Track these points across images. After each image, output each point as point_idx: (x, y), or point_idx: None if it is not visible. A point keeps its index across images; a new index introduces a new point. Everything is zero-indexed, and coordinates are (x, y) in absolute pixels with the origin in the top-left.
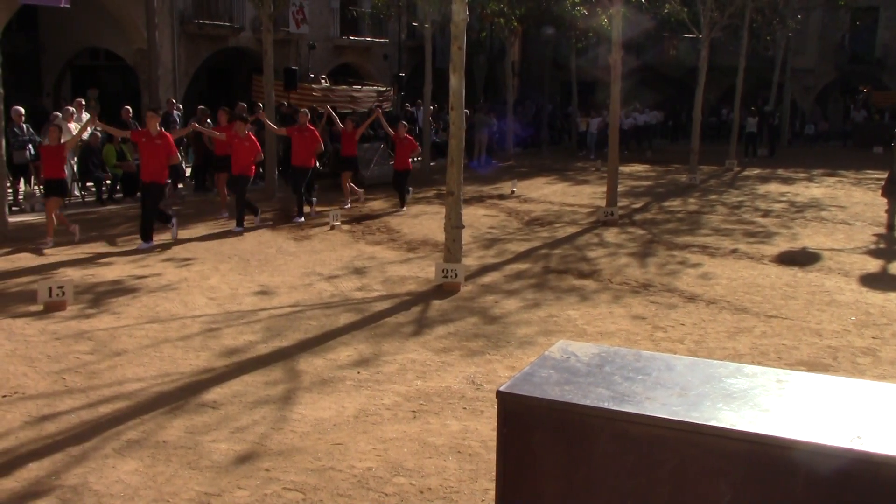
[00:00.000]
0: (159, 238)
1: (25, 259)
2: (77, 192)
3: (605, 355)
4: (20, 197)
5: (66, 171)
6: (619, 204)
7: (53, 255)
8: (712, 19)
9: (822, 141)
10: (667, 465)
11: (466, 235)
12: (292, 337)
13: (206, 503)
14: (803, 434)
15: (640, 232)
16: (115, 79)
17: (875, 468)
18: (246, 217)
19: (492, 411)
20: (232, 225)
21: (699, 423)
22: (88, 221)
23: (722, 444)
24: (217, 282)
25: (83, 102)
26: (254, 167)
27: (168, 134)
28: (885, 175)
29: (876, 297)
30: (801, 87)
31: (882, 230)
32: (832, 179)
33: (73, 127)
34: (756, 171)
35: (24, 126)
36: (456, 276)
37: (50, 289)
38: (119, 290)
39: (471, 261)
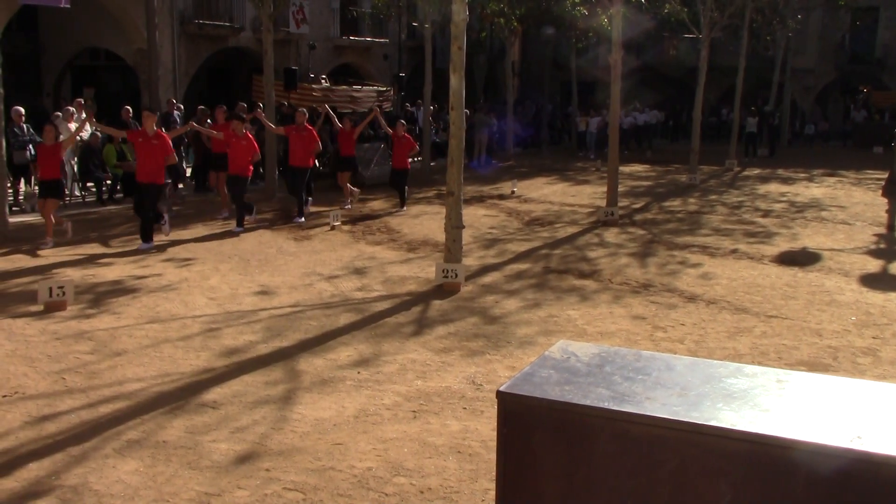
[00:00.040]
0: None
1: (25, 259)
2: (77, 193)
3: (606, 355)
4: (20, 197)
5: (68, 171)
6: (620, 204)
7: (54, 255)
8: (712, 19)
9: (823, 141)
10: (667, 465)
11: (467, 235)
12: (292, 337)
13: (206, 503)
14: (803, 434)
15: (641, 232)
16: (115, 79)
17: (875, 468)
18: (233, 217)
19: (492, 411)
20: (232, 225)
21: (699, 423)
22: (89, 221)
23: (722, 444)
24: (217, 282)
25: (83, 102)
26: (251, 167)
27: (165, 134)
28: (885, 175)
29: (876, 297)
30: (802, 87)
31: (882, 230)
32: (832, 179)
33: (73, 127)
34: (756, 171)
35: (25, 126)
36: (456, 276)
37: (50, 289)
38: (119, 290)
39: (471, 261)
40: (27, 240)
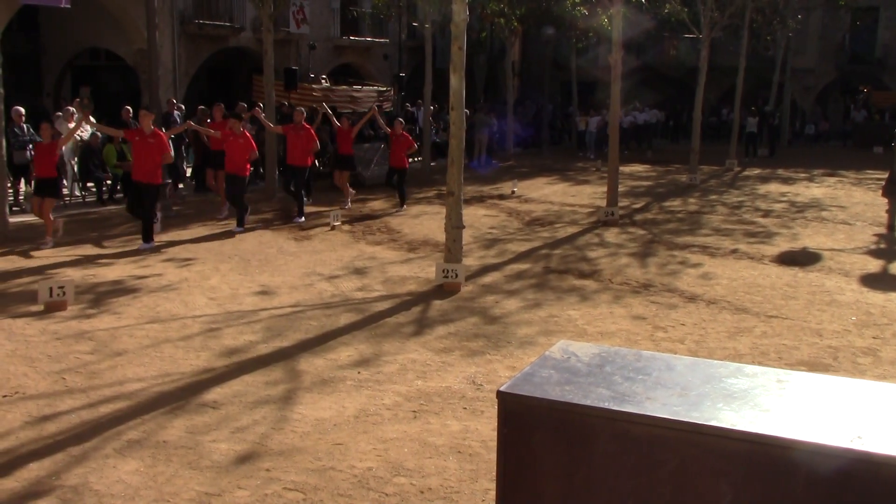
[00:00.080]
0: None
1: (25, 259)
2: (77, 192)
3: (606, 355)
4: (20, 197)
5: (68, 171)
6: (620, 204)
7: (54, 255)
8: (712, 19)
9: (823, 141)
10: (667, 465)
11: (467, 235)
12: (293, 337)
13: (206, 503)
14: (804, 434)
15: (641, 232)
16: (116, 79)
17: (875, 468)
18: (228, 218)
19: (492, 411)
20: (232, 225)
21: (700, 423)
22: (89, 221)
23: (722, 445)
24: (217, 282)
25: (81, 101)
26: (249, 166)
27: (161, 133)
28: (885, 175)
29: (876, 297)
30: (802, 87)
31: (882, 230)
32: (832, 179)
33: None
34: (756, 171)
35: (25, 126)
36: (456, 276)
37: (51, 289)
38: (120, 290)
39: (471, 261)
40: (27, 240)
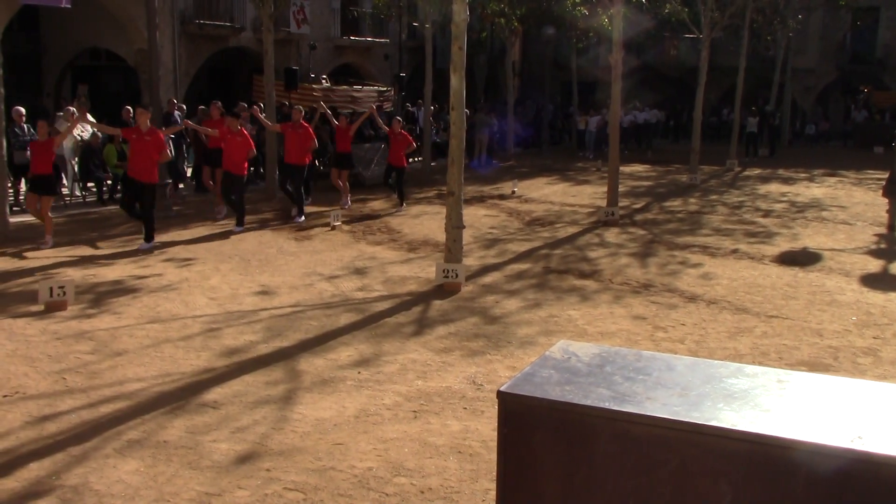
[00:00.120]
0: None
1: (25, 259)
2: (78, 192)
3: (606, 355)
4: (21, 197)
5: (69, 171)
6: (620, 204)
7: (54, 255)
8: (713, 19)
9: (823, 141)
10: (668, 465)
11: (467, 235)
12: (293, 337)
13: (206, 503)
14: (804, 434)
15: (641, 232)
16: (116, 79)
17: (875, 468)
18: (226, 218)
19: (492, 411)
20: (232, 225)
21: (700, 423)
22: (89, 221)
23: (723, 445)
24: (218, 282)
25: (80, 98)
26: (247, 164)
27: (158, 130)
28: (885, 175)
29: (877, 298)
30: (802, 87)
31: (883, 230)
32: (833, 179)
33: None
34: (757, 171)
35: (25, 126)
36: (457, 276)
37: (51, 289)
38: (120, 290)
39: (471, 261)
40: (27, 240)
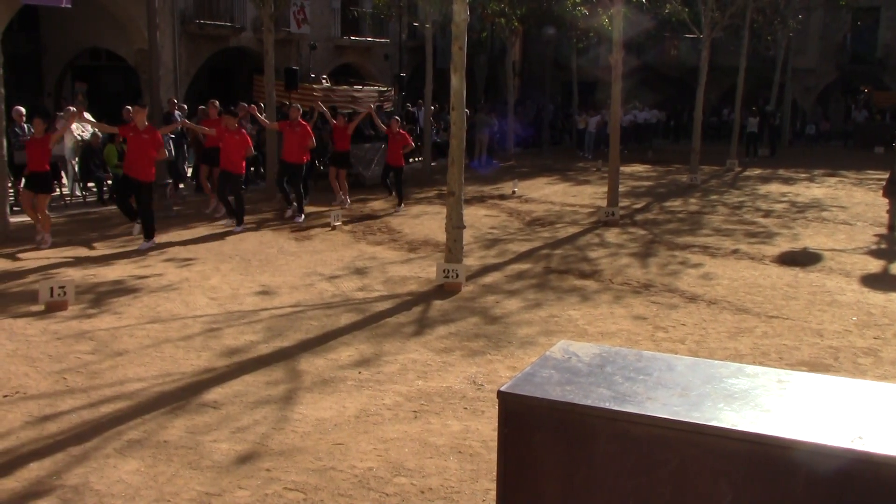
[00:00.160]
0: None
1: (26, 259)
2: (78, 192)
3: (607, 355)
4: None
5: (69, 171)
6: (620, 204)
7: (54, 255)
8: (713, 19)
9: (823, 141)
10: (668, 465)
11: (467, 235)
12: (293, 337)
13: (207, 503)
14: (804, 434)
15: (641, 232)
16: (116, 79)
17: (876, 468)
18: (224, 218)
19: (493, 411)
20: (232, 225)
21: (700, 423)
22: (89, 221)
23: (723, 445)
24: (218, 282)
25: (79, 97)
26: (244, 163)
27: (155, 128)
28: (885, 175)
29: (877, 298)
30: (802, 87)
31: (883, 230)
32: (833, 180)
33: (74, 127)
34: (757, 172)
35: (26, 126)
36: (457, 276)
37: (51, 289)
38: (120, 290)
39: (472, 261)
40: (28, 239)
